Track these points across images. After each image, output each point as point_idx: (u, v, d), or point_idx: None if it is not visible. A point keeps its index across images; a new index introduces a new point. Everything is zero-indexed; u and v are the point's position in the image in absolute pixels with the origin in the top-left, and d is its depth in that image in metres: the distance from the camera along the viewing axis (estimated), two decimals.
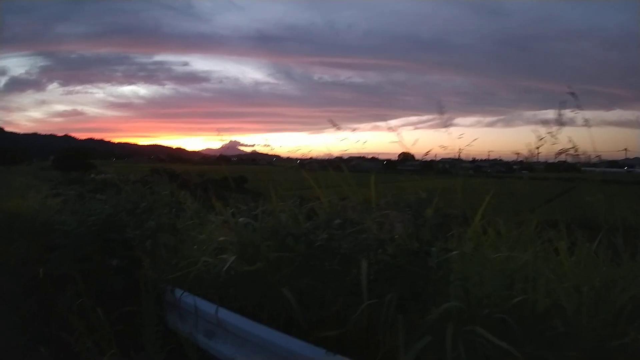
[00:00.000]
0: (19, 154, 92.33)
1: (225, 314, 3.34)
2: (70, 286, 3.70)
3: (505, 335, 2.29)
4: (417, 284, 2.62)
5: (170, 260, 4.12)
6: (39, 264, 4.09)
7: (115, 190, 6.69)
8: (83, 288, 3.53)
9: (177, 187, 6.13)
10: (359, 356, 2.60)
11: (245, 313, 3.35)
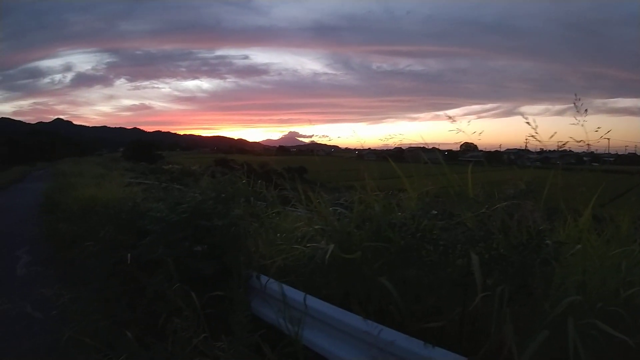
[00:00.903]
0: (89, 146, 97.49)
1: (313, 302, 3.35)
2: (161, 270, 3.84)
3: (618, 328, 2.20)
4: (529, 277, 2.54)
5: (256, 247, 4.20)
6: (126, 249, 4.24)
7: (194, 179, 6.90)
8: (174, 273, 3.67)
9: (253, 177, 6.22)
10: (458, 349, 2.54)
11: (332, 302, 3.35)
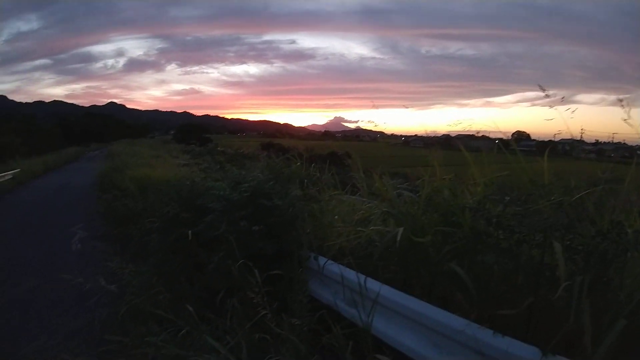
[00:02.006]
0: (141, 129, 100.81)
1: (373, 285, 3.30)
2: (222, 248, 3.89)
3: None
4: (608, 267, 2.43)
5: (313, 229, 4.19)
6: (186, 226, 4.31)
7: (249, 161, 6.97)
8: (237, 250, 3.71)
9: (305, 160, 6.22)
10: (526, 338, 2.45)
11: (392, 286, 3.29)
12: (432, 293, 3.14)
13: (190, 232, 4.15)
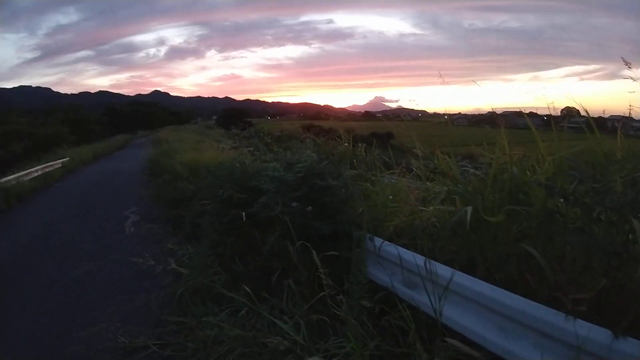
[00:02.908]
0: (185, 115, 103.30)
1: (438, 267, 3.15)
2: (277, 228, 3.87)
3: None
4: None
5: (369, 209, 4.12)
6: (239, 207, 4.31)
7: (294, 143, 6.96)
8: (293, 231, 3.69)
9: (348, 142, 6.17)
10: (599, 321, 2.32)
11: (453, 268, 3.17)
12: (497, 275, 3.01)
13: (243, 213, 4.14)
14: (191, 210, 7.64)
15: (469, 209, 2.93)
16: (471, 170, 3.60)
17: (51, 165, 19.36)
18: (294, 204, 3.81)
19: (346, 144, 6.02)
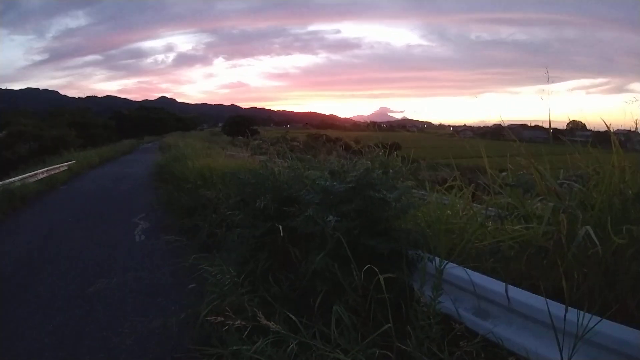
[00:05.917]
0: (191, 121, 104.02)
1: (516, 293, 2.67)
2: (322, 245, 3.33)
3: None
4: None
5: (425, 225, 3.61)
6: (274, 219, 3.81)
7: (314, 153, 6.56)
8: (347, 249, 3.14)
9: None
10: None
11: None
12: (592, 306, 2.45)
13: (280, 227, 3.62)
14: (207, 219, 7.10)
15: (588, 228, 2.37)
16: (571, 184, 3.08)
17: (57, 168, 19.11)
18: (347, 218, 3.29)
19: (380, 152, 5.51)
